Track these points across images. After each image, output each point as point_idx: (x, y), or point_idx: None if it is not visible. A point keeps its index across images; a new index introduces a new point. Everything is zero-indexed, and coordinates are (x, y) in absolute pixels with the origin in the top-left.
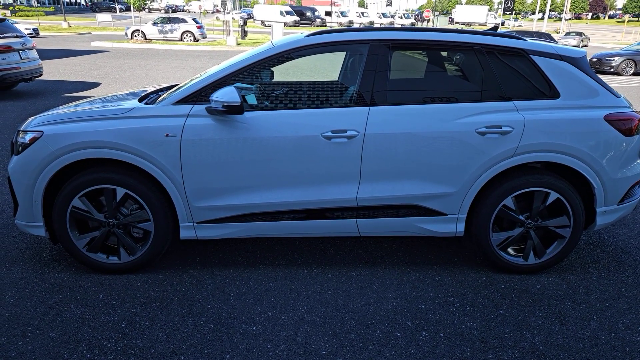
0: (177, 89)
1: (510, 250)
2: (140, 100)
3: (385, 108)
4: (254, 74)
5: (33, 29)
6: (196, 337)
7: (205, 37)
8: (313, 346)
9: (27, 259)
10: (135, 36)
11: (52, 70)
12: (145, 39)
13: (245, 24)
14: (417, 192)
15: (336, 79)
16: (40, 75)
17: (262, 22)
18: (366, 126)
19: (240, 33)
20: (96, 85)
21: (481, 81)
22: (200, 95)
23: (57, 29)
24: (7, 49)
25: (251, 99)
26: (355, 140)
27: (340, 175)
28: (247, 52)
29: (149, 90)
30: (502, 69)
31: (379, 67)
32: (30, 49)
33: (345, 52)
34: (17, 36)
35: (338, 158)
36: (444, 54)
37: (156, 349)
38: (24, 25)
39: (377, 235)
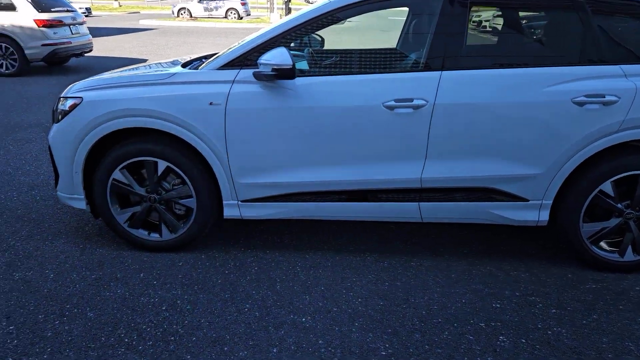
0: (222, 53)
1: (603, 244)
2: (183, 66)
3: (460, 73)
4: (308, 33)
5: (86, 8)
6: (240, 326)
7: (249, 15)
8: (371, 345)
9: (69, 232)
10: (182, 14)
11: (102, 47)
12: (191, 16)
13: (289, 0)
14: (494, 173)
15: (399, 40)
16: (90, 50)
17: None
18: (437, 94)
19: (284, 10)
20: (143, 61)
21: (580, 41)
22: (247, 58)
23: (108, 8)
24: (59, 23)
25: (302, 65)
26: (422, 110)
27: (402, 151)
28: (299, 12)
29: (193, 57)
30: (608, 27)
31: (454, 26)
32: (81, 24)
33: (409, 10)
34: (67, 10)
35: (401, 131)
36: (533, 9)
37: (197, 336)
38: (77, 4)
39: (442, 221)
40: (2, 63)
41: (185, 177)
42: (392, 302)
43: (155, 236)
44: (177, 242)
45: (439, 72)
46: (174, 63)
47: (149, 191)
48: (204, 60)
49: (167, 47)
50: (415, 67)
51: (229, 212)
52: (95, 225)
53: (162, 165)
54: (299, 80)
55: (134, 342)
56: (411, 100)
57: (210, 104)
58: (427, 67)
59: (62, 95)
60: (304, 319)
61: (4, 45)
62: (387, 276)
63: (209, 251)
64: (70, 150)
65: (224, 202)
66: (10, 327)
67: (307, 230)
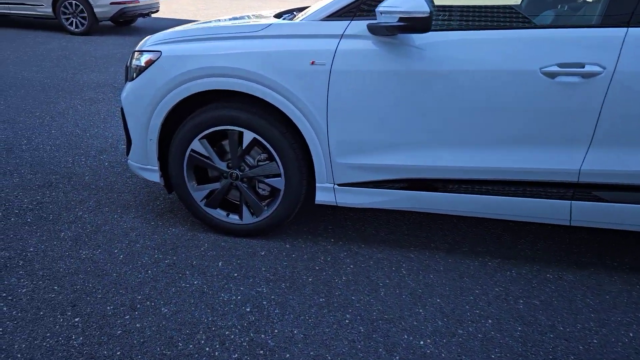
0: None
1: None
2: (277, 18)
3: None
4: None
5: None
6: (342, 343)
7: None
8: None
9: (140, 206)
10: None
11: (167, 9)
12: None
13: None
14: None
15: None
16: (157, 11)
17: None
18: (618, 59)
19: None
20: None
21: None
22: (360, 6)
23: None
24: None
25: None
26: (595, 80)
27: (559, 133)
28: None
29: (282, 10)
30: None
31: None
32: None
33: None
34: None
35: (562, 107)
36: None
37: (292, 353)
38: None
39: (597, 226)
40: (72, 21)
41: (273, 153)
42: (534, 328)
43: (234, 218)
44: (258, 228)
45: (623, 29)
46: (263, 16)
47: (230, 166)
48: (294, 13)
49: (231, 10)
50: (588, 21)
51: (322, 197)
52: (167, 200)
53: (248, 136)
54: (428, 37)
55: (216, 354)
56: (581, 65)
57: (312, 63)
58: (606, 22)
59: (137, 49)
60: (422, 342)
61: (74, 2)
62: (519, 291)
63: (294, 240)
64: (145, 114)
65: (317, 185)
66: (76, 319)
67: (406, 222)
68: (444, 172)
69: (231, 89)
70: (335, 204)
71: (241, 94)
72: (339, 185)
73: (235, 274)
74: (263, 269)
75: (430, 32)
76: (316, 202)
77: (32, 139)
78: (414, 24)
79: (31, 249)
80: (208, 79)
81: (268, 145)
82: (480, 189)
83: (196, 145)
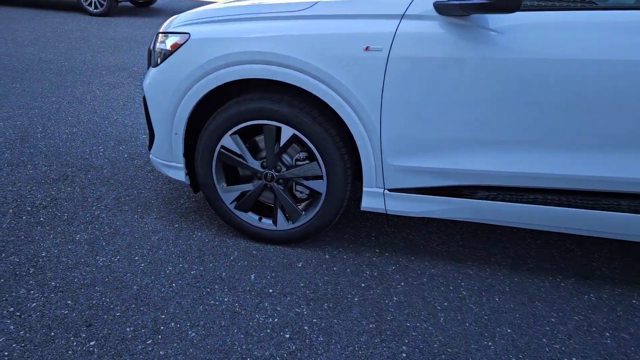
0: None
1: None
2: None
3: None
4: None
5: None
6: None
7: None
8: None
9: (162, 205)
10: None
11: None
12: None
13: None
14: None
15: None
16: None
17: None
18: None
19: None
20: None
21: None
22: None
23: None
24: None
25: None
26: None
27: None
28: None
29: None
30: None
31: None
32: None
33: None
34: None
35: None
36: None
37: None
38: None
39: None
40: (91, 1)
41: (315, 152)
42: None
43: (267, 223)
44: (294, 235)
45: None
46: None
47: (265, 166)
48: None
49: None
50: None
51: (369, 203)
52: (192, 199)
53: (286, 132)
54: (508, 19)
55: None
56: None
57: (366, 49)
58: None
59: (161, 31)
60: None
61: None
62: (602, 320)
63: (334, 250)
64: (171, 104)
65: (365, 189)
66: (91, 343)
67: (459, 231)
68: (519, 180)
69: (269, 78)
70: (384, 212)
71: (279, 84)
72: (389, 190)
73: (271, 290)
74: (301, 284)
75: (514, 13)
76: (362, 209)
77: (47, 127)
78: (499, 2)
79: (43, 254)
80: (242, 67)
81: (309, 143)
82: (570, 199)
83: (227, 141)
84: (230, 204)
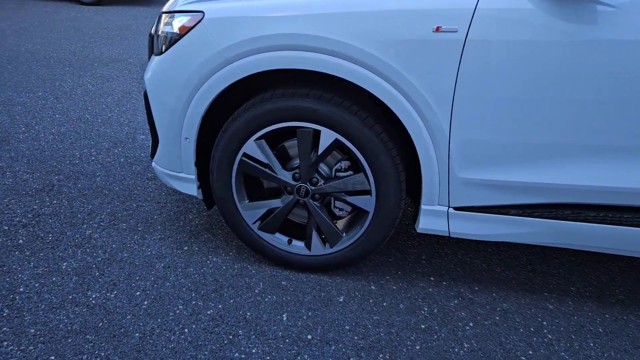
0: None
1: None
2: None
3: None
4: None
5: None
6: None
7: None
8: None
9: (168, 222)
10: None
11: None
12: None
13: None
14: None
15: None
16: None
17: None
18: None
19: None
20: None
21: None
22: None
23: None
24: None
25: None
26: None
27: None
28: None
29: None
30: None
31: None
32: None
33: None
34: None
35: None
36: None
37: None
38: None
39: None
40: None
41: (362, 160)
42: None
43: (298, 247)
44: (332, 261)
45: None
46: None
47: (297, 177)
48: None
49: None
50: None
51: (428, 224)
52: (203, 214)
53: (327, 137)
54: None
55: None
56: None
57: (437, 30)
58: None
59: (166, 10)
60: None
61: None
62: None
63: (380, 278)
64: (180, 102)
65: (423, 208)
66: None
67: (522, 251)
68: (623, 197)
69: (306, 69)
70: (446, 234)
71: (317, 76)
72: (455, 209)
73: (309, 336)
74: (347, 326)
75: None
76: (419, 230)
77: (31, 126)
78: None
79: (21, 289)
80: (274, 54)
81: (355, 150)
82: None
83: (250, 147)
84: (254, 223)
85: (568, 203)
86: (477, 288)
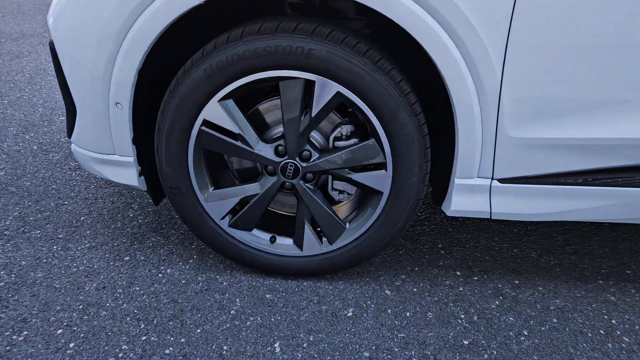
0: None
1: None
2: None
3: None
4: None
5: None
6: None
7: None
8: None
9: (99, 223)
10: None
11: None
12: None
13: None
14: None
15: None
16: None
17: None
18: None
19: None
20: None
21: None
22: None
23: None
24: None
25: None
26: None
27: None
28: None
29: None
30: None
31: None
32: None
33: None
34: None
35: None
36: None
37: None
38: None
39: None
40: None
41: (374, 121)
42: None
43: (285, 246)
44: (332, 263)
45: None
46: None
47: (281, 152)
48: None
49: None
50: None
51: (463, 204)
52: (148, 212)
53: (325, 89)
54: None
55: None
56: None
57: None
58: None
59: None
60: None
61: None
62: None
63: (395, 278)
64: (103, 53)
65: (457, 182)
66: None
67: (557, 231)
68: None
69: None
70: (486, 216)
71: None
72: (500, 181)
73: None
74: (365, 353)
75: None
76: (450, 214)
77: None
78: None
79: None
80: None
81: (364, 107)
82: None
83: (213, 111)
84: (222, 219)
85: None
86: (517, 282)
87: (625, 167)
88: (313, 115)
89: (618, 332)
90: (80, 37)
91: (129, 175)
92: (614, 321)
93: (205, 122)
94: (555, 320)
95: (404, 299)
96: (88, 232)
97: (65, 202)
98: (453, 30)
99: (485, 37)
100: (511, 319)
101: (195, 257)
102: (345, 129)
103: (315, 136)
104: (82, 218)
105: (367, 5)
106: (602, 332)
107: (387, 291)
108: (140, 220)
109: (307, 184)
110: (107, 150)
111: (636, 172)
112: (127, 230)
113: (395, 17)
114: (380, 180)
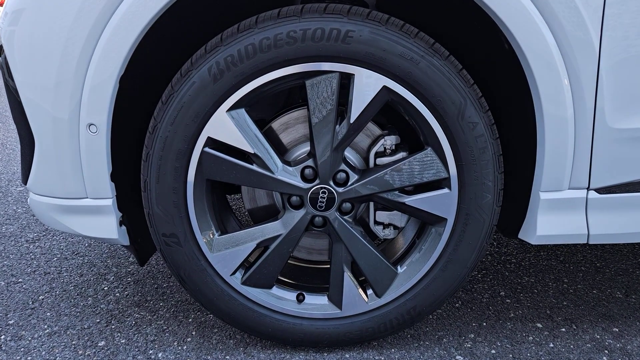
0: None
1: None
2: None
3: None
4: None
5: None
6: None
7: None
8: None
9: (63, 301)
10: None
11: None
12: None
13: None
14: None
15: None
16: None
17: None
18: None
19: None
20: None
21: None
22: None
23: None
24: None
25: None
26: None
27: None
28: None
29: None
30: None
31: None
32: None
33: None
34: None
35: None
36: None
37: None
38: None
39: None
40: None
41: (434, 124)
42: None
43: (317, 305)
44: (380, 323)
45: None
46: None
47: (309, 176)
48: None
49: None
50: None
51: (553, 226)
52: (127, 280)
53: (367, 86)
54: None
55: None
56: None
57: None
58: None
59: None
60: None
61: None
62: None
63: (453, 334)
64: (73, 53)
65: (543, 197)
66: None
67: (582, 253)
68: None
69: None
70: (583, 240)
71: None
72: (598, 191)
73: None
74: None
75: None
76: (535, 242)
77: None
78: None
79: None
80: None
81: (421, 106)
82: None
83: (220, 126)
84: (232, 274)
85: None
86: (615, 329)
87: None
88: (352, 121)
89: None
90: (43, 38)
91: (106, 226)
92: None
93: (210, 141)
94: None
95: None
96: (48, 314)
97: (20, 280)
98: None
99: (572, 15)
100: None
101: (194, 333)
102: (390, 141)
103: (349, 154)
104: (40, 297)
105: None
106: None
107: (458, 357)
108: (117, 294)
109: (344, 217)
110: (75, 194)
111: None
112: (101, 307)
113: None
114: (443, 202)
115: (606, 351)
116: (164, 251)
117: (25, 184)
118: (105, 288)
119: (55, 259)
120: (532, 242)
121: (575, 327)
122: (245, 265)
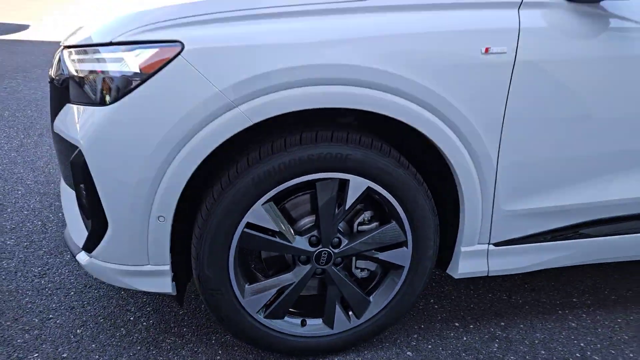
0: None
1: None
2: None
3: None
4: None
5: None
6: None
7: None
8: None
9: (93, 336)
10: None
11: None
12: None
13: None
14: None
15: None
16: None
17: None
18: None
19: None
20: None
21: None
22: None
23: None
24: None
25: None
26: None
27: None
28: None
29: None
30: None
31: None
32: None
33: None
34: None
35: None
36: None
37: None
38: None
39: None
40: None
41: (398, 207)
42: None
43: (315, 326)
44: (359, 336)
45: None
46: None
47: (314, 242)
48: None
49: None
50: None
51: (468, 267)
52: (149, 312)
53: (357, 187)
54: None
55: None
56: None
57: (487, 51)
58: None
59: (107, 41)
60: None
61: None
62: None
63: (406, 337)
64: (151, 170)
65: (463, 250)
66: None
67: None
68: None
69: (336, 106)
70: (485, 274)
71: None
72: (495, 245)
73: None
74: None
75: None
76: (457, 277)
77: None
78: None
79: None
80: (299, 91)
81: (390, 198)
82: None
83: (257, 214)
84: (258, 312)
85: (609, 218)
86: (502, 323)
87: (592, 222)
88: (347, 207)
89: (589, 353)
90: (124, 154)
91: (162, 283)
92: (582, 344)
93: (248, 225)
94: (543, 352)
95: (425, 357)
96: (93, 345)
97: (51, 316)
98: (459, 128)
99: (481, 129)
100: (512, 357)
101: (220, 352)
102: (367, 214)
103: (340, 225)
104: (78, 331)
105: (395, 118)
106: (577, 355)
107: (408, 352)
108: (144, 323)
109: (337, 267)
110: (140, 262)
111: (586, 227)
112: (135, 336)
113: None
114: (402, 255)
115: (497, 340)
116: (209, 300)
117: (90, 252)
118: (132, 318)
119: (72, 292)
120: (455, 277)
121: (479, 324)
122: (267, 304)
